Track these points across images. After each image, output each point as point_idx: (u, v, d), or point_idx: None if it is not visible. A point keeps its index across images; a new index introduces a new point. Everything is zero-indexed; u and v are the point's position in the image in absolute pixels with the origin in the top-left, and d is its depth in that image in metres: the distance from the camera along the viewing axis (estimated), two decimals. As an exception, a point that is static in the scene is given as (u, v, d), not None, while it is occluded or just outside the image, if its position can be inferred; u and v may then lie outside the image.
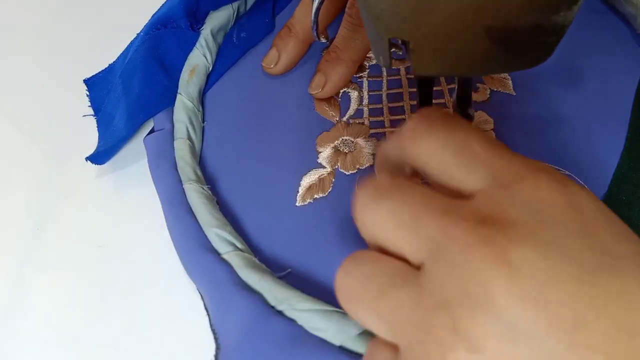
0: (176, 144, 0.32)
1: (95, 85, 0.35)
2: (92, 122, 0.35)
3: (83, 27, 0.42)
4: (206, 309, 0.28)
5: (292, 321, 0.25)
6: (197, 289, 0.28)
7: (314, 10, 0.25)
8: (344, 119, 0.34)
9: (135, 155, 0.34)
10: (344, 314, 0.25)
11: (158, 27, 0.34)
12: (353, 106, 0.35)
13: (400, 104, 0.34)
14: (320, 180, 0.31)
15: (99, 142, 0.34)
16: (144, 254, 0.30)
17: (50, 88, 0.39)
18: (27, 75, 0.40)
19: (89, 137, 0.35)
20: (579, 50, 0.35)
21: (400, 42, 0.21)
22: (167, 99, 0.33)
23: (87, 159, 0.32)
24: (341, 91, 0.35)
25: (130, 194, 0.33)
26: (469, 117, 0.28)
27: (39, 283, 0.30)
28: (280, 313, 0.25)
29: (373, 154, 0.32)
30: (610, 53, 0.35)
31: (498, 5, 0.19)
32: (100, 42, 0.40)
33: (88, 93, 0.35)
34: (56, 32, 0.42)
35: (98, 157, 0.33)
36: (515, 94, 0.34)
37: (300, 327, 0.25)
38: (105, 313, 0.29)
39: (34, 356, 0.28)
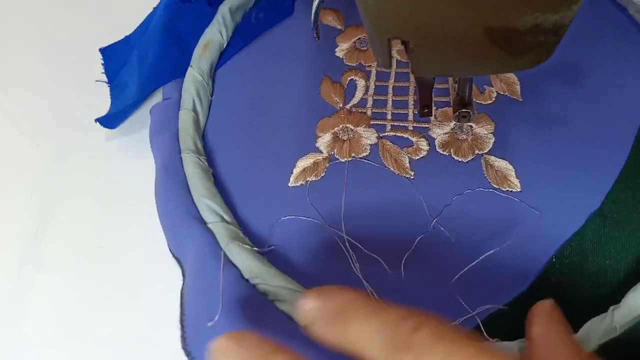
0: (181, 114, 0.33)
1: (111, 56, 0.36)
2: (93, 122, 0.35)
3: (83, 27, 0.42)
4: (183, 275, 0.29)
5: (263, 294, 0.26)
6: (177, 261, 0.29)
7: (313, 10, 0.26)
8: (347, 106, 0.34)
9: (135, 155, 0.34)
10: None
11: (177, 1, 0.35)
12: (358, 95, 0.35)
13: (405, 97, 0.34)
14: (315, 164, 0.32)
15: (110, 108, 0.35)
16: (144, 254, 0.30)
17: (50, 88, 0.39)
18: (27, 75, 0.40)
19: (89, 137, 0.35)
20: (589, 53, 0.35)
21: (400, 42, 0.22)
22: (179, 70, 0.34)
23: (97, 120, 0.34)
24: (348, 78, 0.36)
25: (130, 194, 0.33)
26: (469, 117, 0.28)
27: (39, 283, 0.30)
28: (253, 286, 0.26)
29: (370, 144, 0.32)
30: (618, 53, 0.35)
31: (498, 5, 0.19)
32: (100, 42, 0.39)
33: (103, 62, 0.36)
34: (56, 32, 0.42)
35: (108, 121, 0.34)
36: (521, 100, 0.33)
37: (270, 301, 0.26)
38: (105, 313, 0.29)
39: (34, 356, 0.28)
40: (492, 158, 0.31)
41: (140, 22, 0.37)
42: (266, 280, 0.26)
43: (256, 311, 0.25)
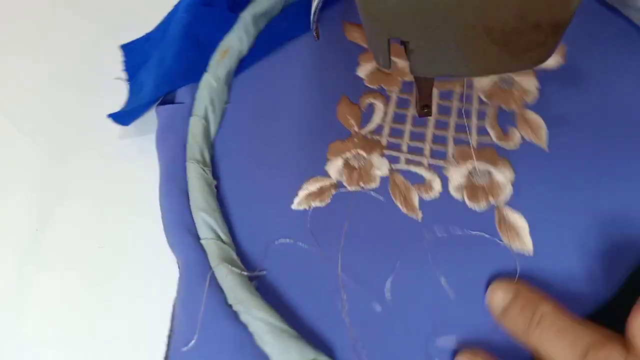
0: (191, 120, 0.32)
1: (132, 52, 0.36)
2: (93, 122, 0.35)
3: (83, 27, 0.42)
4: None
5: (243, 326, 0.25)
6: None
7: (313, 10, 0.25)
8: (363, 131, 0.33)
9: (136, 155, 0.34)
10: (295, 336, 0.25)
11: (199, 4, 0.34)
12: (375, 120, 0.33)
13: (423, 129, 0.32)
14: (321, 189, 0.31)
15: (126, 104, 0.35)
16: (144, 254, 0.30)
17: (50, 88, 0.38)
18: (27, 75, 0.40)
19: (89, 137, 0.35)
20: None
21: (400, 42, 0.21)
22: (194, 74, 0.33)
23: (110, 116, 0.33)
24: (367, 101, 0.34)
25: (130, 194, 0.32)
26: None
27: (39, 283, 0.30)
28: (235, 314, 0.25)
29: (380, 176, 0.31)
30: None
31: (497, 5, 0.19)
32: (100, 42, 0.39)
33: (124, 58, 0.36)
34: (56, 32, 0.42)
35: (121, 117, 0.34)
36: (548, 151, 0.31)
37: (250, 334, 0.25)
38: (105, 313, 0.29)
39: (34, 356, 0.28)
40: (507, 210, 0.29)
41: (140, 21, 0.36)
42: (248, 310, 0.25)
43: (233, 345, 0.24)
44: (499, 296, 0.26)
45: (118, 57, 0.35)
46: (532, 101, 0.32)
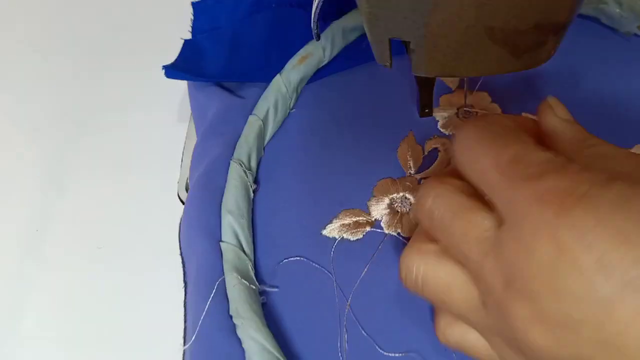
0: (250, 119, 0.32)
1: (202, 13, 0.35)
2: (92, 122, 0.35)
3: (83, 27, 0.42)
4: (185, 279, 0.28)
5: (238, 340, 0.25)
6: (182, 261, 0.28)
7: (314, 10, 0.25)
8: (418, 175, 0.31)
9: (136, 155, 0.34)
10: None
11: (292, 3, 0.33)
12: (434, 168, 0.31)
13: (482, 192, 0.30)
14: (356, 223, 0.30)
15: (177, 59, 0.33)
16: (144, 254, 0.30)
17: (50, 88, 0.39)
18: (27, 75, 0.40)
19: (89, 137, 0.35)
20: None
21: (401, 42, 0.22)
22: (267, 74, 0.33)
23: (164, 67, 0.32)
24: (433, 146, 0.32)
25: (130, 194, 0.32)
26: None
27: (39, 283, 0.30)
28: (233, 326, 0.25)
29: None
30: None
31: (498, 5, 0.18)
32: (100, 42, 0.39)
33: (193, 17, 0.35)
34: (56, 32, 0.42)
35: (170, 70, 0.33)
36: None
37: (242, 351, 0.25)
38: (105, 313, 0.29)
39: (34, 356, 0.28)
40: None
41: (140, 22, 0.36)
42: (245, 327, 0.25)
43: (222, 358, 0.24)
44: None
45: (118, 57, 0.35)
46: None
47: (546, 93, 0.33)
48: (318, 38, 0.27)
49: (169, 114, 0.37)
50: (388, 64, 0.23)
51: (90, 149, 0.35)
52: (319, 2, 0.25)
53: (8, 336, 0.29)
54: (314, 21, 0.26)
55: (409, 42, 0.21)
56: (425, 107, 0.30)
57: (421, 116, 0.30)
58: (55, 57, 0.41)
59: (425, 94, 0.29)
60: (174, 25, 0.36)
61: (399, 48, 0.35)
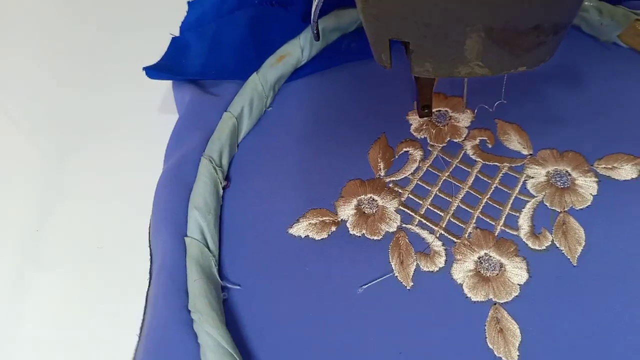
0: (224, 116, 0.32)
1: (193, 10, 0.35)
2: (93, 122, 0.34)
3: (83, 27, 0.41)
4: (150, 272, 0.29)
5: (194, 335, 0.25)
6: (150, 253, 0.29)
7: (313, 10, 0.25)
8: (387, 178, 0.31)
9: (136, 155, 0.34)
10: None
11: (274, 2, 0.33)
12: (404, 171, 0.31)
13: (450, 198, 0.30)
14: (322, 223, 0.30)
15: (162, 59, 0.34)
16: (144, 254, 0.30)
17: (50, 88, 0.38)
18: (27, 75, 0.40)
19: (89, 138, 0.35)
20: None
21: (401, 42, 0.22)
22: (244, 71, 0.33)
23: (145, 68, 0.33)
24: (404, 149, 0.32)
25: (130, 194, 0.32)
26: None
27: (38, 283, 0.30)
28: (191, 321, 0.25)
29: (386, 231, 0.29)
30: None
31: (498, 5, 0.18)
32: (100, 42, 0.39)
33: (187, 13, 0.35)
34: (56, 32, 0.42)
35: (152, 70, 0.34)
36: (576, 265, 0.27)
37: (197, 345, 0.25)
38: (105, 313, 0.29)
39: (34, 356, 0.28)
40: (505, 314, 0.26)
41: (140, 22, 0.36)
42: (201, 322, 0.25)
43: (176, 351, 0.24)
44: None
45: (118, 57, 0.35)
46: (581, 206, 0.29)
47: (523, 97, 0.33)
48: (317, 38, 0.28)
49: (169, 115, 0.37)
50: (388, 64, 0.23)
51: (90, 149, 0.35)
52: (318, 2, 0.25)
53: (8, 336, 0.29)
54: (313, 21, 0.26)
55: (409, 42, 0.21)
56: (425, 107, 0.30)
57: (421, 116, 0.30)
58: (56, 56, 0.41)
59: (425, 94, 0.29)
60: (176, 29, 0.36)
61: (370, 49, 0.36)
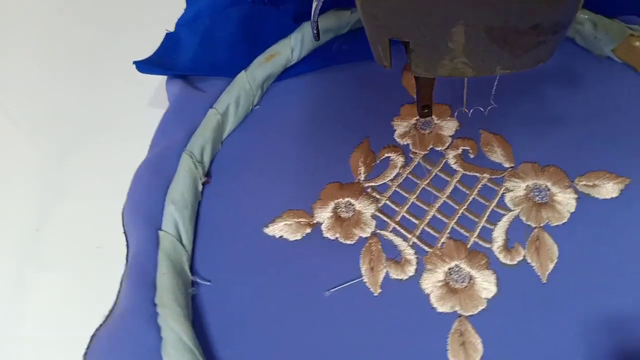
0: (209, 112, 0.32)
1: (191, 5, 0.35)
2: (92, 121, 0.34)
3: (83, 27, 0.41)
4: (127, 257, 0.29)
5: (157, 329, 0.25)
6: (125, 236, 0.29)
7: (313, 10, 0.25)
8: (366, 183, 0.31)
9: (136, 155, 0.33)
10: (198, 358, 0.25)
11: (266, 1, 0.33)
12: (384, 177, 0.31)
13: (426, 206, 0.30)
14: (297, 224, 0.30)
15: (154, 54, 0.34)
16: None
17: (50, 88, 0.38)
18: (27, 75, 0.39)
19: (89, 137, 0.35)
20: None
21: (401, 42, 0.22)
22: (232, 69, 0.34)
23: (135, 62, 0.33)
24: (385, 154, 0.32)
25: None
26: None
27: (38, 283, 0.30)
28: (155, 315, 0.26)
29: (360, 236, 0.29)
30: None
31: (497, 5, 0.18)
32: (100, 42, 0.38)
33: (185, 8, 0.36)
34: (56, 32, 0.41)
35: (143, 65, 0.34)
36: (545, 282, 0.27)
37: (160, 339, 0.25)
38: (105, 313, 0.28)
39: (34, 356, 0.28)
40: (469, 327, 0.26)
41: (140, 22, 0.36)
42: (165, 316, 0.25)
43: (138, 343, 0.25)
44: None
45: (118, 57, 0.35)
46: (557, 223, 0.28)
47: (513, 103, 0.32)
48: (317, 38, 0.28)
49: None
50: (387, 64, 0.23)
51: (90, 149, 0.35)
52: (318, 1, 0.25)
53: (8, 336, 0.29)
54: (313, 21, 0.26)
55: (409, 42, 0.21)
56: (425, 107, 0.29)
57: (420, 116, 0.30)
58: (56, 56, 0.42)
59: (425, 94, 0.28)
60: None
61: (361, 51, 0.35)
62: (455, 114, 0.33)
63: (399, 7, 0.19)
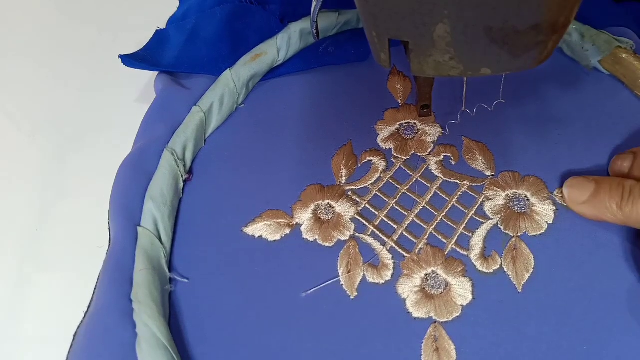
0: (193, 109, 0.32)
1: (183, 3, 0.35)
2: (92, 121, 0.34)
3: (83, 27, 0.41)
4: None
5: (132, 325, 0.25)
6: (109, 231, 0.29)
7: (313, 9, 0.25)
8: (347, 186, 0.31)
9: None
10: (171, 356, 0.25)
11: (247, 2, 0.33)
12: (364, 180, 0.31)
13: (405, 211, 0.30)
14: (277, 225, 0.30)
15: (142, 49, 0.34)
16: None
17: (50, 88, 0.38)
18: (27, 75, 0.39)
19: (89, 137, 0.35)
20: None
21: (400, 42, 0.22)
22: (217, 67, 0.33)
23: (121, 56, 0.33)
24: (367, 158, 0.32)
25: None
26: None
27: (39, 283, 0.30)
28: (131, 311, 0.26)
29: (338, 238, 0.29)
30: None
31: (497, 5, 0.19)
32: (100, 42, 0.38)
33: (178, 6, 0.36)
34: (56, 32, 0.41)
35: (129, 59, 0.34)
36: (520, 291, 0.27)
37: (135, 335, 0.25)
38: None
39: (34, 356, 0.28)
40: (444, 334, 0.26)
41: (139, 22, 0.36)
42: (140, 312, 0.25)
43: (113, 339, 0.25)
44: (580, 188, 0.28)
45: (118, 58, 0.35)
46: (535, 233, 0.29)
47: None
48: (317, 37, 0.28)
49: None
50: (387, 64, 0.23)
51: (90, 149, 0.35)
52: (318, 1, 0.25)
53: (8, 336, 0.29)
54: (313, 20, 0.26)
55: (408, 42, 0.21)
56: (425, 107, 0.30)
57: (420, 116, 0.30)
58: (56, 56, 0.41)
59: (425, 93, 0.29)
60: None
61: (347, 54, 0.35)
62: (459, 114, 0.33)
63: (398, 8, 0.19)
